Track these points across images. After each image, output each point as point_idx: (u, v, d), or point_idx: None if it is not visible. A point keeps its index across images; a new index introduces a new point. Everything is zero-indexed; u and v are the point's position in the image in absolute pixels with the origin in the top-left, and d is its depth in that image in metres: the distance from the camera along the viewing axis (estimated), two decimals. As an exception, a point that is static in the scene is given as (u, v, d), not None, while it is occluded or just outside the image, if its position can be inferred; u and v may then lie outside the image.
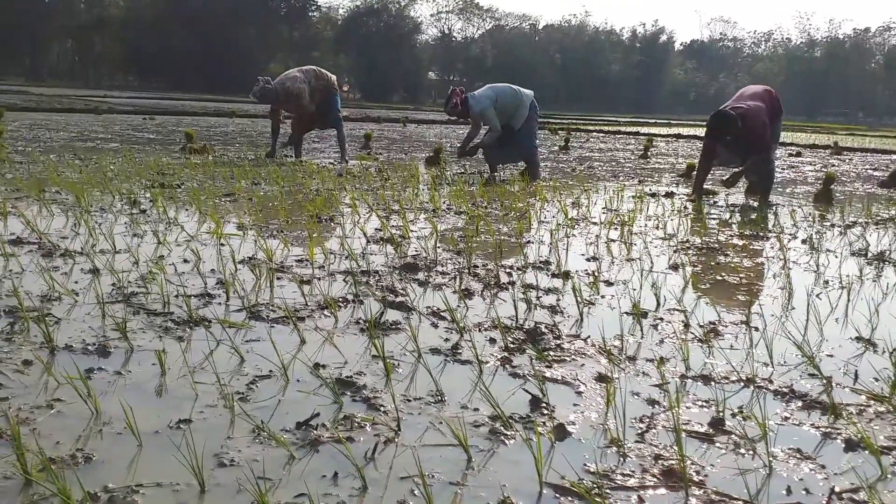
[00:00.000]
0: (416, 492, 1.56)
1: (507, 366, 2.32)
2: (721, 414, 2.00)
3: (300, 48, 76.38)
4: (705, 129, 6.91)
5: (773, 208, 6.22)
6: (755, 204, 6.68)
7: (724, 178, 6.99)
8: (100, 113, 17.94)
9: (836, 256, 4.26)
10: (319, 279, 3.29)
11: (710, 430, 1.91)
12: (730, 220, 5.60)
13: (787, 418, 2.02)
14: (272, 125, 9.02)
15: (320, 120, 8.85)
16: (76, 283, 3.03)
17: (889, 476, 1.72)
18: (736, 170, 6.82)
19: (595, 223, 5.08)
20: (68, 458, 1.63)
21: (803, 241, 4.72)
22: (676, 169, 10.13)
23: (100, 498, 1.49)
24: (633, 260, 3.98)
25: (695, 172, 7.22)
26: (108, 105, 21.47)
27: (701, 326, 2.79)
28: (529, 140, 7.92)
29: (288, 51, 76.81)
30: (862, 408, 2.10)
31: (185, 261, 3.48)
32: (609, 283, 3.42)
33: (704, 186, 7.22)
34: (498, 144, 7.91)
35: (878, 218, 5.98)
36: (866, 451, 1.81)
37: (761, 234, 4.97)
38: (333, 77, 8.81)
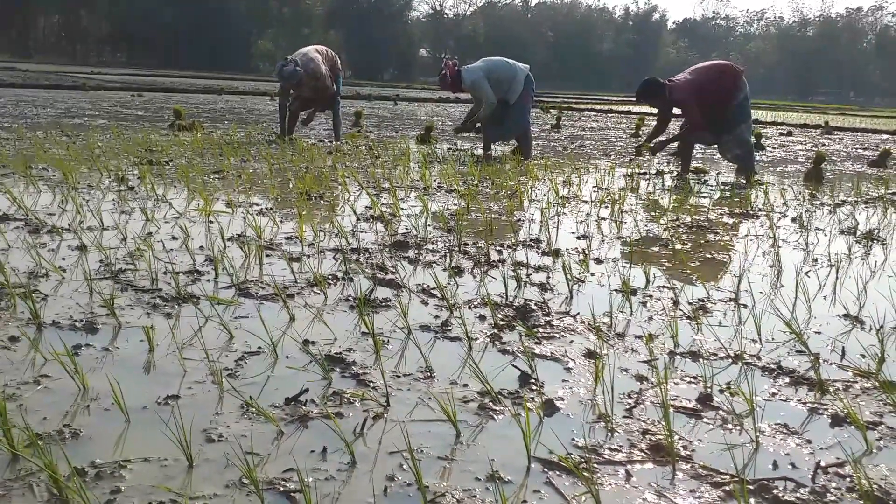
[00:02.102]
0: (404, 466, 1.56)
1: (496, 342, 2.32)
2: (709, 390, 2.00)
3: (290, 24, 75.65)
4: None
5: (764, 187, 6.23)
6: (745, 182, 6.68)
7: (651, 144, 7.16)
8: (87, 89, 17.76)
9: (826, 235, 4.28)
10: (309, 256, 3.28)
11: (698, 406, 1.92)
12: (720, 199, 5.60)
13: (774, 394, 2.03)
14: (281, 103, 8.53)
15: (321, 102, 8.58)
16: (63, 259, 3.01)
17: (874, 450, 1.73)
18: (663, 138, 7.03)
19: (586, 201, 5.08)
20: (55, 434, 1.62)
21: (793, 220, 4.73)
22: (668, 148, 10.11)
23: (87, 473, 1.48)
24: (623, 238, 3.98)
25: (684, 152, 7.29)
26: (95, 81, 21.26)
27: (690, 303, 2.80)
28: (523, 116, 7.75)
29: (278, 27, 76.11)
30: (848, 384, 2.12)
31: (174, 238, 3.46)
32: (599, 261, 3.43)
33: (693, 165, 7.30)
34: (493, 120, 7.76)
35: (868, 197, 6.00)
36: (852, 427, 1.83)
37: (751, 212, 4.98)
38: (338, 58, 8.67)
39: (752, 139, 6.98)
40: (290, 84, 8.05)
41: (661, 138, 7.09)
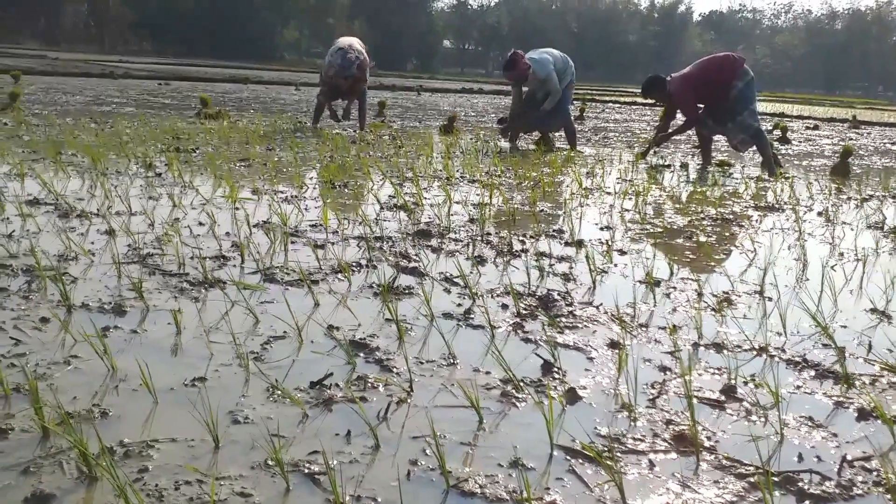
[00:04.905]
0: (427, 451, 1.57)
1: (519, 331, 2.32)
2: (733, 381, 2.00)
3: (314, 14, 75.71)
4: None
5: (790, 180, 6.16)
6: (768, 175, 6.60)
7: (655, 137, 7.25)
8: (115, 78, 17.92)
9: (852, 229, 4.23)
10: (333, 244, 3.29)
11: (722, 397, 1.92)
12: (745, 192, 5.55)
13: (799, 387, 2.02)
14: (324, 98, 8.33)
15: (355, 94, 8.38)
16: (92, 243, 3.05)
17: (901, 445, 1.71)
18: (665, 133, 7.20)
19: (609, 193, 5.06)
20: (85, 413, 1.65)
21: (819, 214, 4.68)
22: (692, 140, 10.03)
23: (116, 452, 1.51)
24: (646, 229, 3.96)
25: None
26: (123, 70, 21.43)
27: (714, 296, 2.78)
28: (566, 105, 7.80)
29: (302, 17, 76.19)
30: (875, 378, 2.10)
31: (201, 224, 3.50)
32: (622, 252, 3.41)
33: (718, 158, 7.29)
34: (535, 110, 7.71)
35: (897, 192, 5.92)
36: (879, 421, 1.81)
37: (776, 205, 4.93)
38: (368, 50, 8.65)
39: (761, 125, 6.94)
40: (344, 74, 7.90)
41: (662, 133, 7.21)
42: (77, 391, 1.76)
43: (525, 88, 7.76)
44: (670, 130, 7.22)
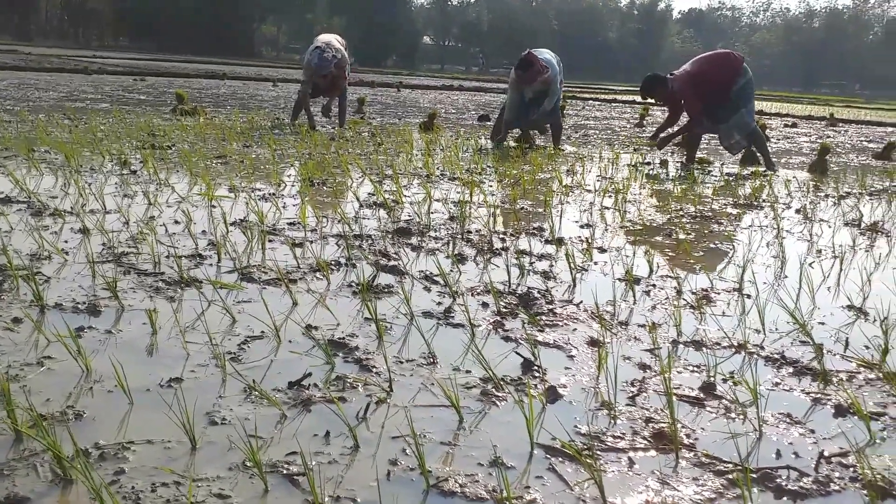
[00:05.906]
0: (407, 451, 1.56)
1: (499, 329, 2.32)
2: (712, 379, 2.00)
3: (294, 10, 75.31)
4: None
5: (768, 178, 6.21)
6: (748, 173, 6.65)
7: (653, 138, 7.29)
8: (90, 73, 17.71)
9: (830, 226, 4.26)
10: (311, 242, 3.27)
11: (701, 395, 1.92)
12: (724, 189, 5.59)
13: (777, 384, 2.03)
14: (305, 92, 8.19)
15: (335, 91, 8.32)
16: (66, 242, 3.00)
17: (877, 441, 1.73)
18: (665, 133, 7.19)
19: (589, 191, 5.07)
20: (59, 415, 1.62)
21: (797, 211, 4.72)
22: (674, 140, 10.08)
23: (91, 454, 1.48)
24: (626, 227, 3.97)
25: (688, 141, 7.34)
26: (97, 65, 21.19)
27: (693, 293, 2.79)
28: (556, 104, 7.79)
29: (281, 13, 75.77)
30: (852, 374, 2.11)
31: (176, 222, 3.46)
32: (602, 250, 3.42)
33: (698, 156, 7.33)
34: (526, 110, 7.69)
35: (872, 189, 5.98)
36: (856, 417, 1.82)
37: (755, 203, 4.97)
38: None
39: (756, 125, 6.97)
40: (321, 73, 7.85)
41: (666, 133, 7.18)
42: (50, 392, 1.73)
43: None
44: (673, 131, 7.20)
